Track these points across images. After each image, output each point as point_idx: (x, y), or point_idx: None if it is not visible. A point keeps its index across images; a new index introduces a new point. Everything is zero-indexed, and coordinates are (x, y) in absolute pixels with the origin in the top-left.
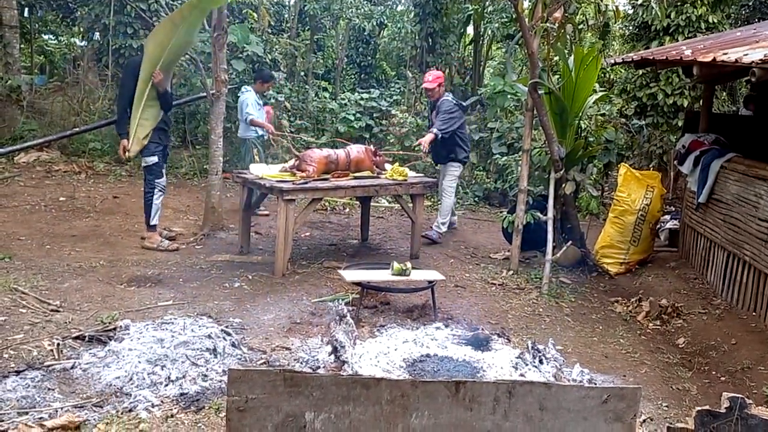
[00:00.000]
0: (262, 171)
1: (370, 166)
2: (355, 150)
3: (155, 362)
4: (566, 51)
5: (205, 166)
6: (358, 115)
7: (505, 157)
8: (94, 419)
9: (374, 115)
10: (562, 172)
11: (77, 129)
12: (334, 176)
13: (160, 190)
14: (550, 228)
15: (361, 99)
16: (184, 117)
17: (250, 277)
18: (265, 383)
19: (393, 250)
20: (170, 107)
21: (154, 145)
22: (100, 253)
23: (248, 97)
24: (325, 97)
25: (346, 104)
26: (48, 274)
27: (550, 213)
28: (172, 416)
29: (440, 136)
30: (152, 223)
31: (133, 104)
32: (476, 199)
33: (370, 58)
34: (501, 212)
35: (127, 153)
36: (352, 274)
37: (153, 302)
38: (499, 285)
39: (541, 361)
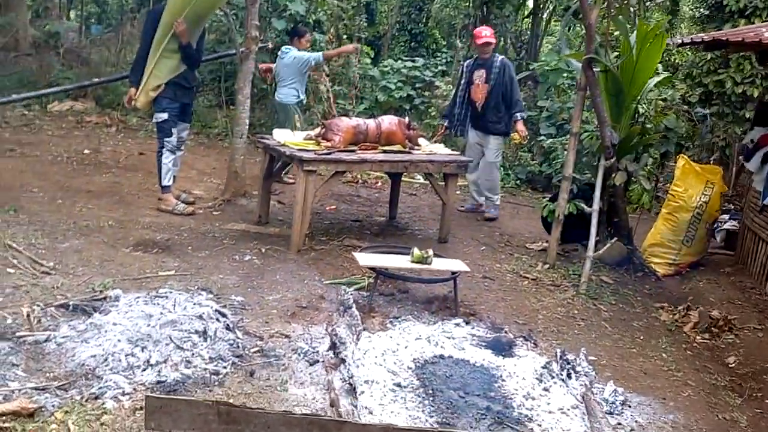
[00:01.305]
0: (285, 137)
1: (402, 140)
2: (387, 121)
3: (136, 342)
4: (628, 25)
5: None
6: (399, 84)
7: (551, 139)
8: (53, 406)
9: (416, 85)
10: (613, 160)
11: (96, 80)
12: (361, 148)
13: (169, 150)
14: (594, 221)
15: (404, 67)
16: (221, 75)
17: (264, 250)
18: (194, 417)
19: (421, 231)
20: (195, 63)
21: (167, 101)
22: (111, 212)
23: (299, 54)
24: (367, 63)
25: (388, 72)
26: (50, 231)
27: (596, 204)
28: (141, 408)
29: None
30: (164, 184)
31: (150, 54)
32: (518, 181)
33: (422, 25)
34: (544, 197)
35: (132, 102)
36: (367, 258)
37: (154, 271)
38: (532, 279)
39: (569, 375)
